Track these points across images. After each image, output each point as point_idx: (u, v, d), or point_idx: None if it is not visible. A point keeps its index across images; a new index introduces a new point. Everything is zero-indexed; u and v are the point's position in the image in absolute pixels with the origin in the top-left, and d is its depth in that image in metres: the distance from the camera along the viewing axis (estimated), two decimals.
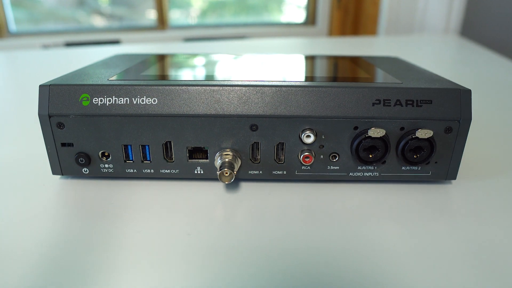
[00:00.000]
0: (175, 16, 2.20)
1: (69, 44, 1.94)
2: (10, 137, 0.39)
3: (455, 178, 0.29)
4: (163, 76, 0.30)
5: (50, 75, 0.64)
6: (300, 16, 2.33)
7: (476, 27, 1.32)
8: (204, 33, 2.12)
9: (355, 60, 0.39)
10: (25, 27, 2.06)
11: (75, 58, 0.80)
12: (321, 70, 0.35)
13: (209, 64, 0.37)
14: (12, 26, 2.04)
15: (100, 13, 2.10)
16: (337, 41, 1.00)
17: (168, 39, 2.08)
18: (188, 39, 2.00)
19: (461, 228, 0.25)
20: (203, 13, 2.26)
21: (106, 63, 0.36)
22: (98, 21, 2.10)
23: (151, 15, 2.12)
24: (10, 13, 2.02)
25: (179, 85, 0.27)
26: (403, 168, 0.28)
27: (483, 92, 0.56)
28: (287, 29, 2.29)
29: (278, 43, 1.00)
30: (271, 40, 1.04)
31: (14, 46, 1.92)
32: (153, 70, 0.32)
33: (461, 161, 0.33)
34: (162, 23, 2.14)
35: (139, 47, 0.93)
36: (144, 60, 0.37)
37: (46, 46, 1.92)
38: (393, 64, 0.37)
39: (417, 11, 1.57)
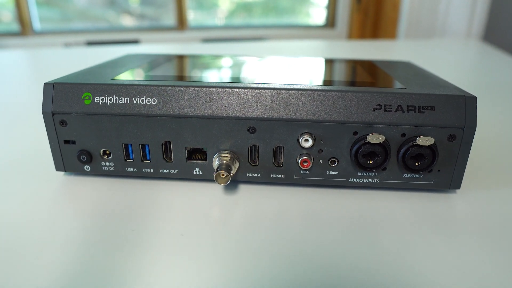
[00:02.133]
0: (201, 17, 2.21)
1: (90, 43, 1.98)
2: (24, 132, 0.40)
3: (459, 187, 0.28)
4: (165, 77, 0.30)
5: (66, 73, 0.65)
6: (322, 18, 2.32)
7: (499, 32, 1.29)
8: (222, 35, 2.14)
9: (364, 64, 0.39)
10: (50, 26, 2.10)
11: (94, 57, 0.81)
12: (325, 74, 0.35)
13: (214, 66, 0.37)
14: (37, 25, 2.09)
15: (129, 13, 2.14)
16: (356, 44, 1.00)
17: (186, 40, 2.10)
18: (206, 40, 2.02)
19: (464, 241, 0.24)
20: (230, 14, 2.27)
21: (115, 63, 0.36)
22: (128, 21, 2.13)
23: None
24: (35, 12, 2.07)
25: (178, 86, 0.27)
26: (404, 175, 0.28)
27: (501, 99, 0.54)
28: (306, 31, 2.28)
29: (296, 45, 0.99)
30: (289, 43, 1.04)
31: (37, 44, 1.97)
32: (157, 71, 0.33)
33: (467, 169, 0.32)
34: (181, 23, 2.16)
35: (156, 47, 0.94)
36: (152, 61, 0.38)
37: (67, 45, 1.96)
38: (403, 68, 0.36)
39: (438, 14, 1.54)
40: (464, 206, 0.28)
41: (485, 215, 0.26)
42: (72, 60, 0.79)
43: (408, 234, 0.24)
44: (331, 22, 2.30)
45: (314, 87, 0.27)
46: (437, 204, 0.28)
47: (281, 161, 0.28)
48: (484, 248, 0.23)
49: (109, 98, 0.27)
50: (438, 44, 1.04)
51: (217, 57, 0.42)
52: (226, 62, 0.39)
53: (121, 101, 0.27)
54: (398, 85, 0.29)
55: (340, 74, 0.35)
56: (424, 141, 0.26)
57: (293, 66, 0.36)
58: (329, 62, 0.40)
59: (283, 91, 0.27)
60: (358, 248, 0.23)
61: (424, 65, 0.73)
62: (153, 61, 0.37)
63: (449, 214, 0.27)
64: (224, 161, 0.27)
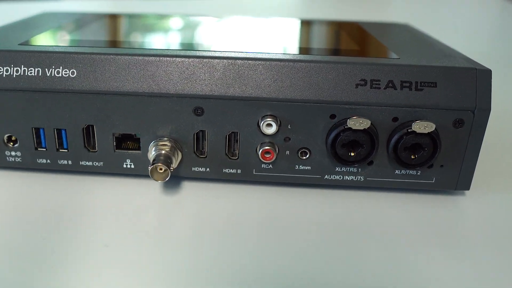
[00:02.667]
0: None
1: None
2: None
3: (468, 189, 0.28)
4: (90, 42, 0.30)
5: None
6: None
7: None
8: None
9: (348, 27, 0.39)
10: None
11: (2, 16, 0.80)
12: (297, 39, 0.35)
13: (155, 29, 0.37)
14: None
15: None
16: (340, 1, 0.98)
17: None
18: None
19: (476, 256, 0.23)
20: None
21: (26, 23, 0.36)
22: None
23: None
24: None
25: (104, 54, 0.27)
26: (396, 172, 0.27)
27: None
28: None
29: (264, 2, 0.98)
30: None
31: None
32: (80, 34, 0.33)
33: (479, 164, 0.31)
34: None
35: (81, 4, 0.92)
36: (75, 21, 0.38)
37: None
38: (398, 33, 0.37)
39: None
40: (474, 212, 0.27)
41: (502, 223, 0.26)
42: None
43: (401, 247, 0.24)
44: None
45: (280, 57, 0.27)
46: (439, 209, 0.27)
47: (237, 152, 0.28)
48: (502, 265, 0.23)
49: (15, 68, 0.27)
50: (447, 2, 1.04)
51: (160, 17, 0.42)
52: (171, 23, 0.39)
53: (30, 72, 0.27)
54: (390, 54, 0.28)
55: (317, 40, 0.35)
56: (422, 127, 0.25)
57: (257, 30, 0.36)
58: (305, 25, 0.40)
59: (239, 61, 0.26)
60: (335, 265, 0.22)
61: (427, 30, 0.73)
62: (77, 22, 0.37)
63: (456, 222, 0.26)
64: (163, 151, 0.26)
